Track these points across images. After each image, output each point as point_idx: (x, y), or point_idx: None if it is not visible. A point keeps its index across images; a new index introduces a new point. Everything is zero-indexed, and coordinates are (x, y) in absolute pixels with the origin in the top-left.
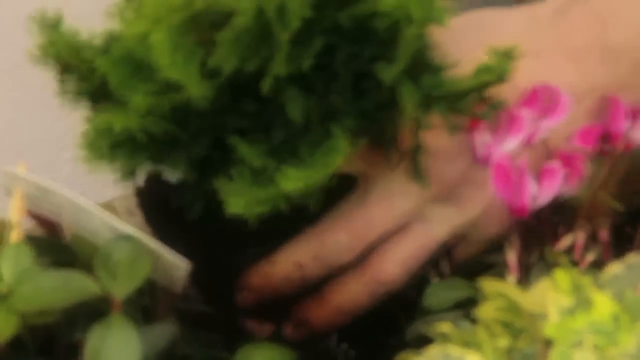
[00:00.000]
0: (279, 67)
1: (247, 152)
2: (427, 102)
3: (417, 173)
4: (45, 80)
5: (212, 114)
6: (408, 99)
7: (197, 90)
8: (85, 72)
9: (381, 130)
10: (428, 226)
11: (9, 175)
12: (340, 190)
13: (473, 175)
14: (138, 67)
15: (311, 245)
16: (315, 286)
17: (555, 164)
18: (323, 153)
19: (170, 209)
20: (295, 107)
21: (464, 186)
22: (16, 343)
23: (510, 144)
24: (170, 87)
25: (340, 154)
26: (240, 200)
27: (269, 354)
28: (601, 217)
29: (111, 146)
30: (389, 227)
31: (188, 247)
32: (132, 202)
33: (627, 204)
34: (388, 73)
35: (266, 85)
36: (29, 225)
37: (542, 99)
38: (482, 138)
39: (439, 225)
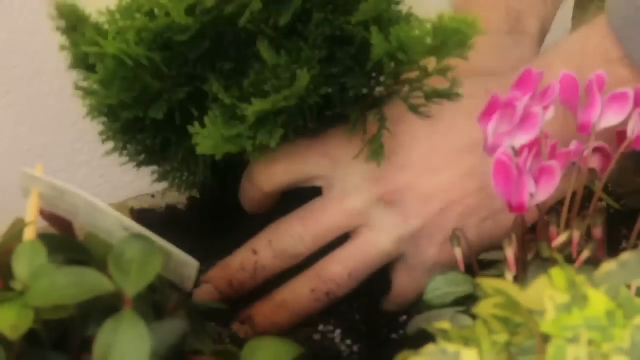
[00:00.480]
0: (256, 3)
1: (221, 91)
2: (395, 51)
3: (377, 156)
4: (62, 88)
5: (194, 61)
6: (377, 46)
7: (182, 20)
8: None
9: (349, 115)
10: (374, 234)
11: (26, 177)
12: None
13: (420, 186)
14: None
15: (267, 232)
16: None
17: (554, 163)
18: (288, 87)
19: None
20: (268, 50)
21: (411, 195)
22: (32, 338)
23: (521, 140)
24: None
25: (303, 85)
26: (209, 141)
27: (274, 348)
28: (596, 216)
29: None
30: (340, 225)
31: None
32: (144, 202)
33: (622, 204)
34: (357, 20)
35: (244, 20)
36: (45, 224)
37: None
38: (495, 127)
39: (384, 234)
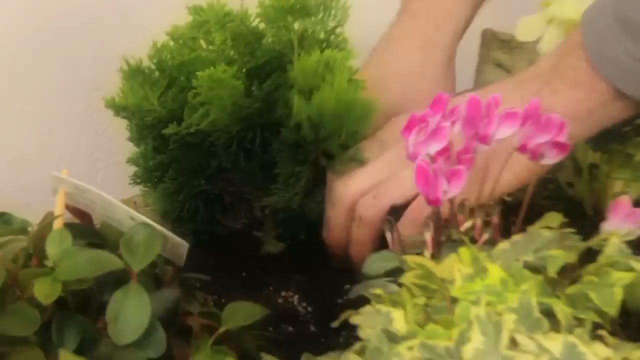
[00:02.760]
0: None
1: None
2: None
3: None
4: (85, 109)
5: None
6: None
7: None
8: None
9: None
10: None
11: (55, 179)
12: None
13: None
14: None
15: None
16: None
17: (461, 167)
18: None
19: None
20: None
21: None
22: (60, 303)
23: (433, 148)
24: None
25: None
26: None
27: (247, 309)
28: (493, 207)
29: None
30: None
31: None
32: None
33: (514, 197)
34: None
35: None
36: (70, 216)
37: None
38: (414, 139)
39: None
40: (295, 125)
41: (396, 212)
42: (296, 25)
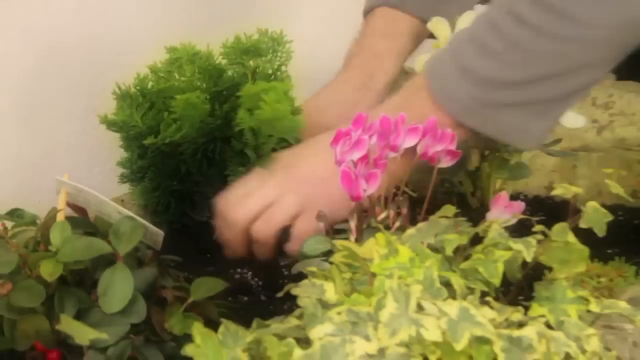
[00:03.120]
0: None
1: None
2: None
3: None
4: (85, 124)
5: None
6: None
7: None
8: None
9: None
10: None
11: (58, 182)
12: None
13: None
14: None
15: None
16: None
17: (377, 170)
18: None
19: None
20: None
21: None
22: (62, 280)
23: (355, 155)
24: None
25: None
26: None
27: (210, 283)
28: (403, 201)
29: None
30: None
31: None
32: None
33: (419, 194)
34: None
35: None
36: (70, 211)
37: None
38: (340, 148)
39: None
40: (240, 132)
41: (284, 231)
42: (251, 63)
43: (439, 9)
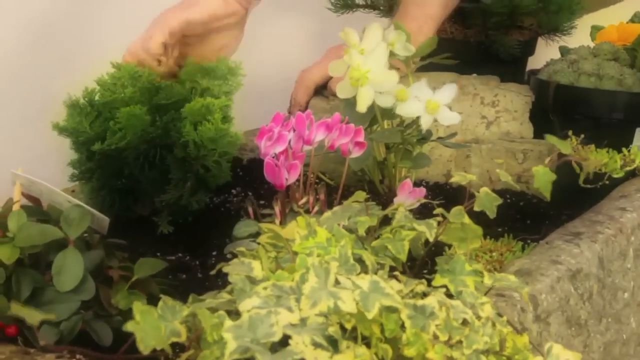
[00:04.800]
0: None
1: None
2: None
3: None
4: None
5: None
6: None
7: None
8: None
9: None
10: None
11: (14, 174)
12: None
13: None
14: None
15: None
16: None
17: (296, 162)
18: None
19: None
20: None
21: None
22: (19, 263)
23: (278, 149)
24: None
25: None
26: None
27: (152, 262)
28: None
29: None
30: None
31: None
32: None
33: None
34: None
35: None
36: (25, 201)
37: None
38: (264, 143)
39: None
40: (183, 144)
41: None
42: (203, 82)
43: None
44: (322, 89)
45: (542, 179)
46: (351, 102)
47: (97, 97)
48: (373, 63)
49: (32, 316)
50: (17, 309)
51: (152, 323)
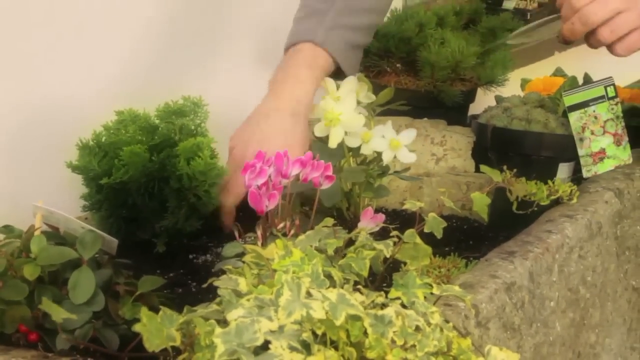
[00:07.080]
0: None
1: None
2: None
3: None
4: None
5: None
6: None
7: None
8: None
9: None
10: None
11: (35, 207)
12: None
13: None
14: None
15: None
16: None
17: (275, 192)
18: None
19: None
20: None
21: None
22: (40, 279)
23: (259, 181)
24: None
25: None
26: None
27: (152, 279)
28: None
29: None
30: None
31: None
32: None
33: (309, 209)
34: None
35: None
36: (45, 227)
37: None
38: (248, 176)
39: None
40: (178, 177)
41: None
42: (178, 122)
43: (348, 56)
44: None
45: (480, 203)
46: (323, 141)
47: (103, 139)
48: (344, 107)
49: (57, 313)
50: (47, 305)
51: (156, 326)
